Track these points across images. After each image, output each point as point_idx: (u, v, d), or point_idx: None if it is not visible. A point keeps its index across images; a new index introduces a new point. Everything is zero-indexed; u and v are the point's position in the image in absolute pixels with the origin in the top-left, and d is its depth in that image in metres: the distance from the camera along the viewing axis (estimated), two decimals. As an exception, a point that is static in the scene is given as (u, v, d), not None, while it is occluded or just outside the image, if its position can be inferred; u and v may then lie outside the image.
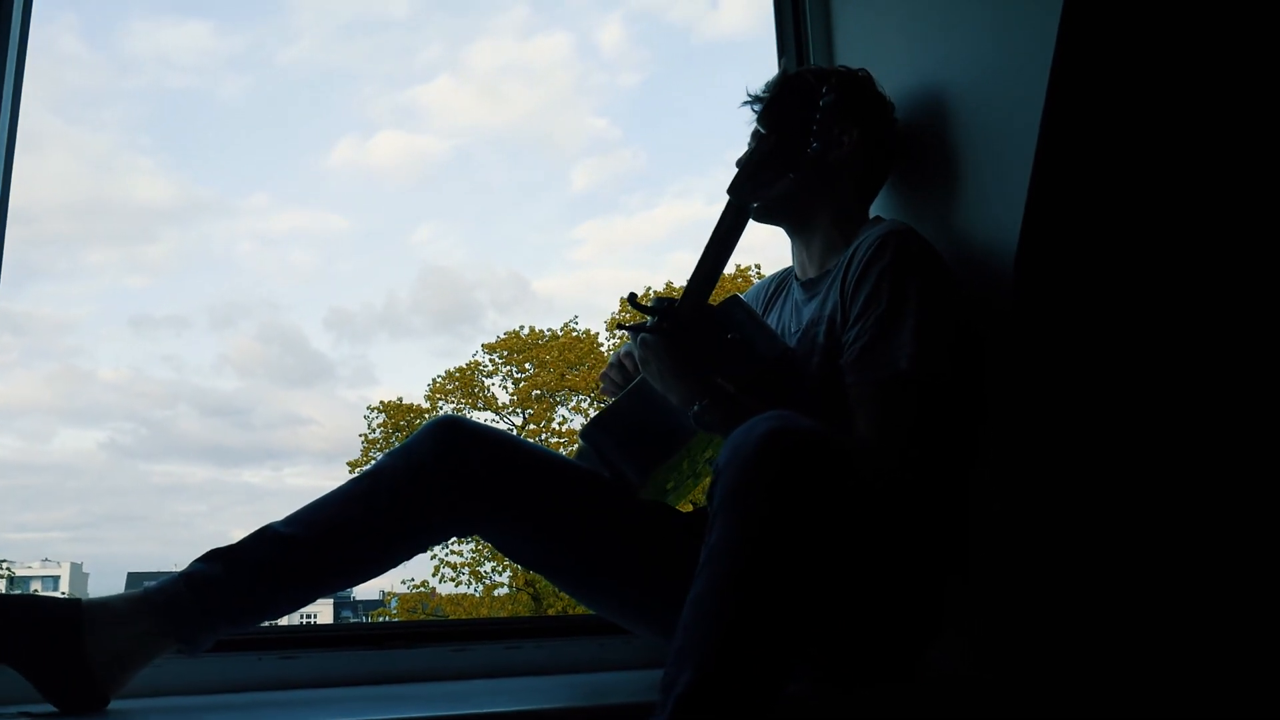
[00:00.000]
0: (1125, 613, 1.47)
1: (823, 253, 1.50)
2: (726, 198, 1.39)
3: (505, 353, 11.88)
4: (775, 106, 1.41)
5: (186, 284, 19.03)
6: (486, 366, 11.91)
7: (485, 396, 11.78)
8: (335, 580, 1.35)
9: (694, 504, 1.54)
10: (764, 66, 1.58)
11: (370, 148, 20.43)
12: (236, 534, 1.31)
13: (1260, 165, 1.40)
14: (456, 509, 1.36)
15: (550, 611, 9.94)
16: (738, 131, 1.59)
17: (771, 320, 1.56)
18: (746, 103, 1.56)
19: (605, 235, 19.80)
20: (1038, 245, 1.33)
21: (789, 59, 1.92)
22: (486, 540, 1.45)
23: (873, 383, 1.29)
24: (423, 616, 10.76)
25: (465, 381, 11.75)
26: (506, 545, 1.44)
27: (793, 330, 1.47)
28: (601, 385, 1.59)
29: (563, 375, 11.46)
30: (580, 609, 1.56)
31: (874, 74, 1.54)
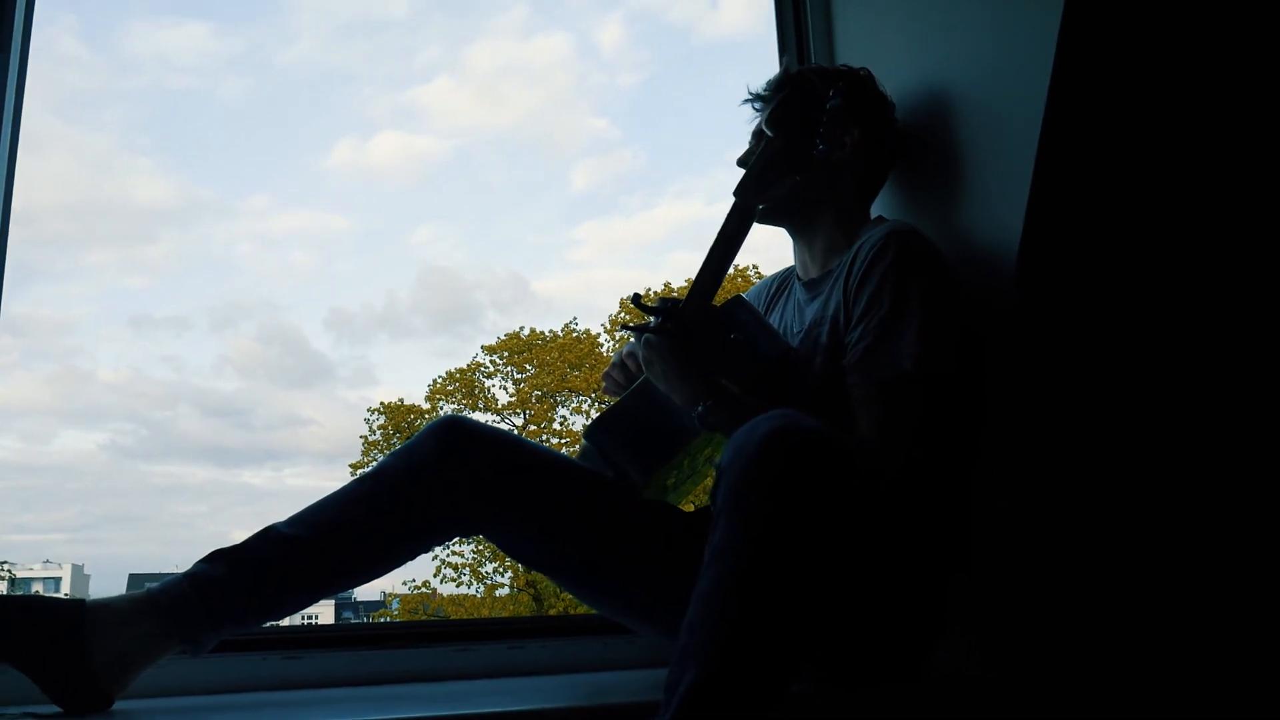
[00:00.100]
0: (1129, 612, 1.47)
1: (825, 253, 1.50)
2: (727, 198, 1.39)
3: (505, 354, 11.88)
4: (782, 109, 1.40)
5: (186, 284, 19.06)
6: (487, 368, 11.92)
7: (485, 397, 11.78)
8: (339, 581, 1.35)
9: (695, 504, 1.55)
10: (764, 66, 1.57)
11: (370, 148, 20.45)
12: (237, 535, 1.32)
13: (1262, 164, 1.40)
14: (459, 509, 1.37)
15: (551, 612, 9.94)
16: (738, 131, 1.59)
17: (774, 320, 1.56)
18: (748, 100, 1.56)
19: (605, 235, 19.82)
20: (1040, 244, 1.33)
21: (790, 58, 1.92)
22: (490, 540, 1.46)
23: (876, 383, 1.29)
24: (424, 617, 10.76)
25: (466, 382, 11.76)
26: (509, 545, 1.45)
27: (795, 330, 1.47)
28: (603, 385, 1.59)
29: (563, 376, 11.46)
30: (583, 608, 1.56)
31: (875, 72, 1.54)
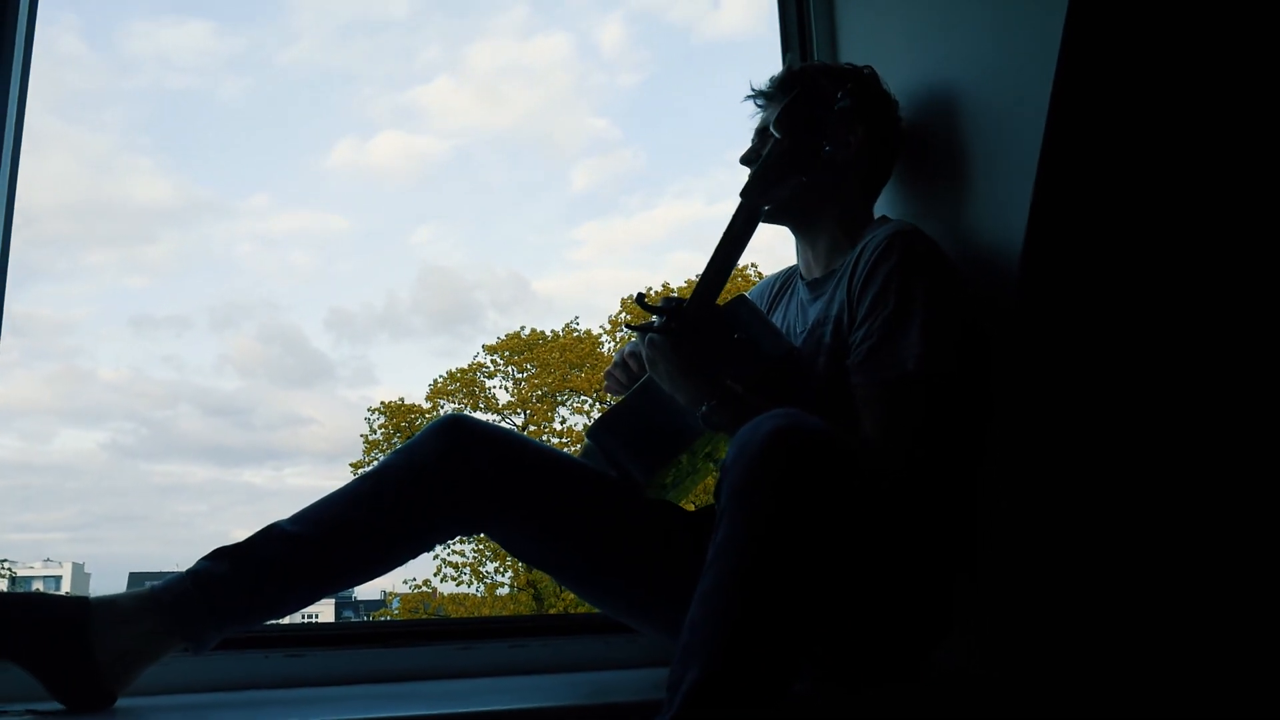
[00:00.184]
0: (1133, 612, 1.47)
1: (828, 252, 1.50)
2: (727, 198, 1.39)
3: (506, 354, 11.88)
4: (790, 111, 1.40)
5: (187, 284, 19.03)
6: (487, 367, 11.92)
7: (486, 397, 11.78)
8: (341, 579, 1.36)
9: (695, 503, 1.55)
10: (765, 67, 1.57)
11: (370, 148, 20.42)
12: (237, 534, 1.32)
13: (1267, 163, 1.40)
14: (460, 508, 1.37)
15: (552, 611, 9.93)
16: (738, 131, 1.59)
17: (776, 319, 1.56)
18: (750, 97, 1.55)
19: (605, 236, 19.80)
20: (1044, 243, 1.33)
21: (793, 56, 1.92)
22: (492, 539, 1.46)
23: (880, 383, 1.29)
24: (424, 616, 10.76)
25: (466, 382, 11.76)
26: (512, 544, 1.45)
27: (798, 330, 1.47)
28: (606, 384, 1.59)
29: (564, 376, 11.46)
30: (584, 607, 1.56)
31: (878, 70, 1.54)
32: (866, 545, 1.19)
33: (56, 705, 1.25)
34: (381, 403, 11.66)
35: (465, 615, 10.43)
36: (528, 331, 11.95)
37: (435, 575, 10.87)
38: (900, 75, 1.57)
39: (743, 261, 1.42)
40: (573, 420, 11.59)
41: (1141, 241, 1.38)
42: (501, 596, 10.81)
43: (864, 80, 1.50)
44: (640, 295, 1.38)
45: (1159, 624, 1.47)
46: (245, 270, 18.82)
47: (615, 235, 19.48)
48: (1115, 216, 1.36)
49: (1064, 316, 1.41)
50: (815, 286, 1.49)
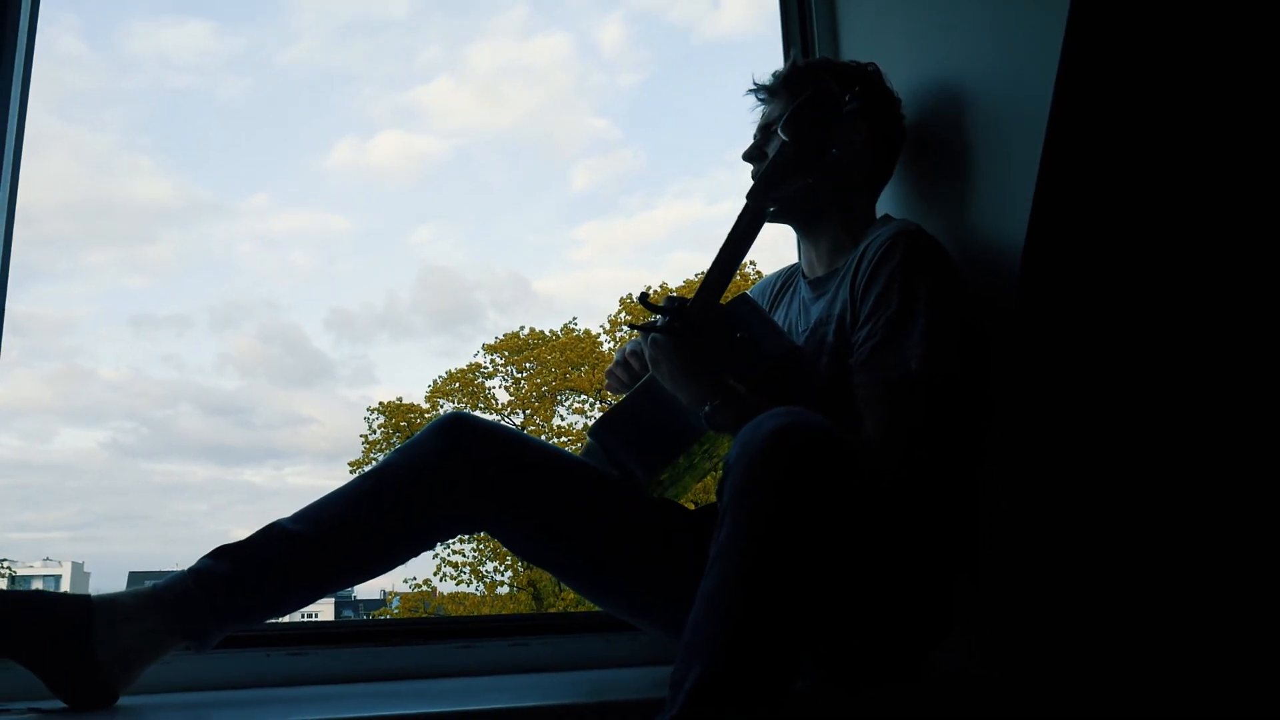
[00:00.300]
0: (1133, 612, 1.47)
1: (831, 251, 1.50)
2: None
3: (506, 353, 11.88)
4: (798, 114, 1.39)
5: (187, 284, 19.00)
6: (487, 368, 11.92)
7: (485, 397, 11.78)
8: (342, 578, 1.36)
9: (695, 502, 1.55)
10: (765, 66, 1.58)
11: (370, 148, 20.39)
12: (238, 533, 1.32)
13: (1269, 162, 1.40)
14: (461, 507, 1.37)
15: (552, 610, 9.93)
16: (738, 132, 1.59)
17: (778, 317, 1.56)
18: (752, 91, 1.55)
19: (605, 236, 19.78)
20: (1045, 242, 1.33)
21: (796, 54, 1.93)
22: (493, 537, 1.46)
23: (882, 383, 1.28)
24: (424, 615, 10.76)
25: (466, 383, 11.76)
26: (513, 543, 1.45)
27: (800, 329, 1.47)
28: (607, 383, 1.59)
29: (564, 375, 11.46)
30: (585, 606, 1.56)
31: (880, 68, 1.54)
32: (868, 544, 1.19)
33: (59, 703, 1.26)
34: (381, 402, 11.66)
35: (465, 615, 10.43)
36: (527, 331, 11.96)
37: (435, 574, 10.88)
38: (902, 73, 1.57)
39: (744, 260, 1.42)
40: (571, 419, 11.60)
41: (1143, 241, 1.38)
42: (501, 596, 10.80)
43: (869, 79, 1.50)
44: (643, 294, 1.38)
45: (1159, 624, 1.47)
46: (245, 270, 18.81)
47: (615, 235, 19.48)
48: (1116, 215, 1.36)
49: (1065, 316, 1.41)
50: (818, 285, 1.49)
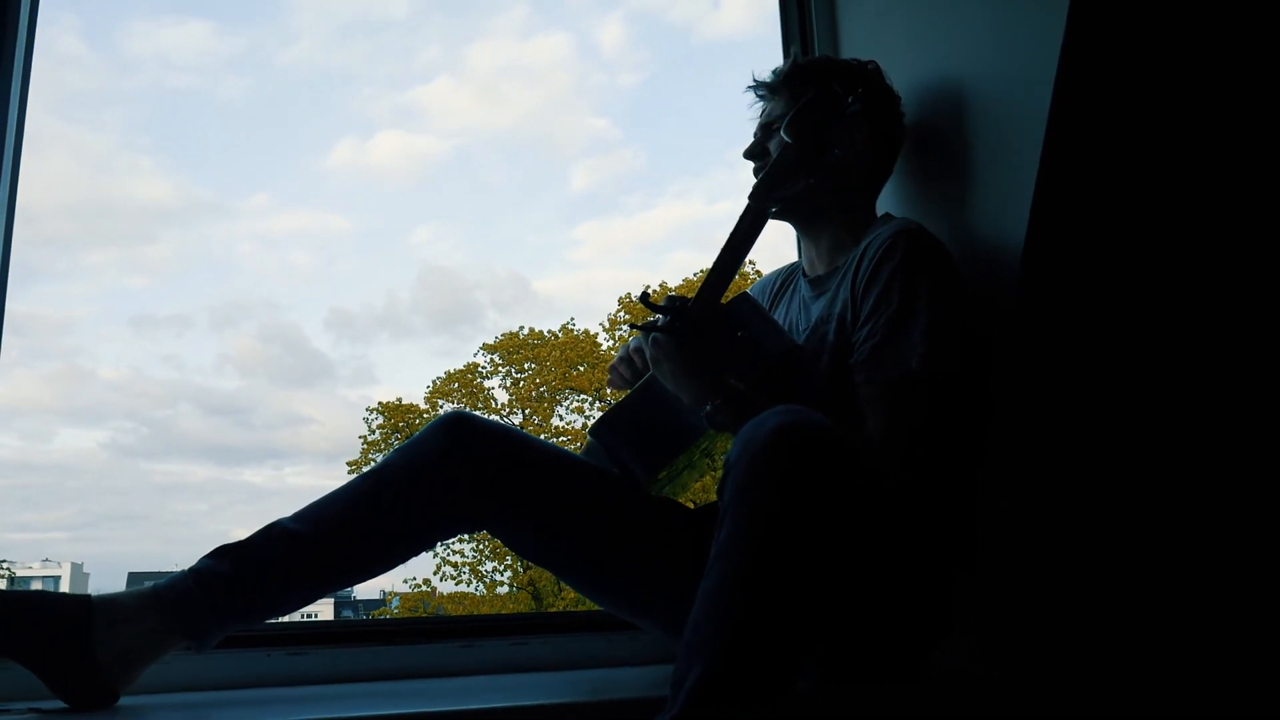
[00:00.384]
0: (1133, 612, 1.47)
1: (831, 249, 1.50)
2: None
3: (505, 353, 11.88)
4: (801, 116, 1.39)
5: (187, 284, 19.00)
6: (486, 368, 11.92)
7: (485, 397, 11.78)
8: (342, 578, 1.36)
9: (694, 501, 1.55)
10: (764, 66, 1.59)
11: (370, 148, 20.39)
12: (237, 533, 1.32)
13: (1267, 162, 1.40)
14: (461, 506, 1.37)
15: (551, 610, 9.93)
16: (738, 132, 1.59)
17: (778, 316, 1.56)
18: (752, 88, 1.55)
19: (605, 236, 19.78)
20: (1045, 241, 1.33)
21: (796, 51, 1.93)
22: (494, 536, 1.46)
23: (883, 382, 1.28)
24: (423, 615, 10.75)
25: (465, 383, 11.76)
26: (513, 541, 1.45)
27: (801, 328, 1.47)
28: (609, 380, 1.59)
29: (564, 375, 11.46)
30: (585, 605, 1.56)
31: (880, 66, 1.54)
32: (868, 543, 1.19)
33: (59, 704, 1.25)
34: (380, 403, 11.67)
35: (465, 614, 10.42)
36: (526, 331, 11.96)
37: (435, 574, 10.88)
38: (902, 71, 1.57)
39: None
40: (571, 419, 11.60)
41: (1143, 240, 1.38)
42: (501, 595, 10.80)
43: (870, 79, 1.50)
44: (644, 294, 1.38)
45: (1159, 624, 1.47)
46: (245, 270, 18.81)
47: (615, 235, 19.48)
48: (1116, 214, 1.36)
49: (1065, 316, 1.41)
50: (818, 284, 1.49)
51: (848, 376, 1.33)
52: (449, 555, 10.80)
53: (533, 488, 1.39)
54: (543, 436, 11.14)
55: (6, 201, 1.63)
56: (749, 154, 1.52)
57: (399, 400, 11.61)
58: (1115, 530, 1.47)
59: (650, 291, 1.39)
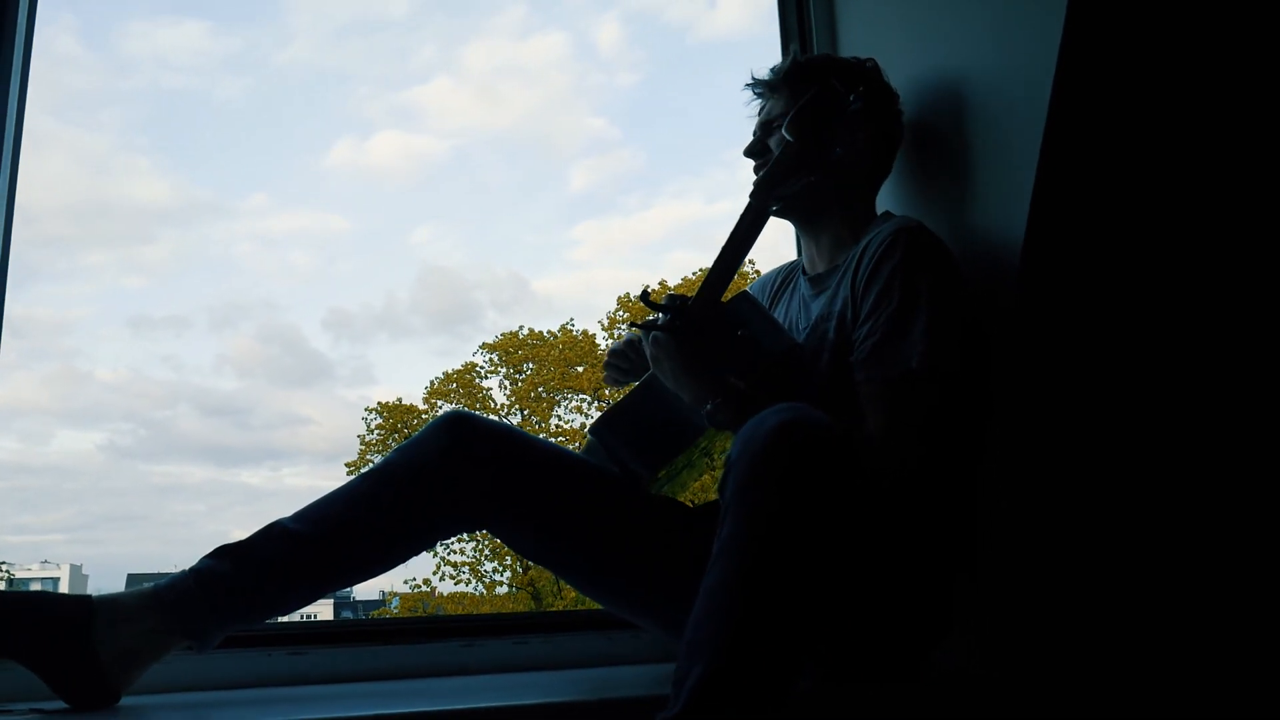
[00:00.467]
0: (1133, 611, 1.47)
1: (832, 248, 1.50)
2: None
3: (504, 353, 11.88)
4: (802, 114, 1.39)
5: (185, 285, 18.94)
6: (484, 367, 11.92)
7: (483, 398, 11.78)
8: (342, 578, 1.36)
9: (693, 501, 1.55)
10: (762, 66, 1.58)
11: (368, 148, 20.35)
12: (236, 534, 1.32)
13: (1266, 159, 1.40)
14: (461, 506, 1.37)
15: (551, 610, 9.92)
16: (736, 131, 1.59)
17: (778, 314, 1.55)
18: (750, 85, 1.55)
19: (603, 236, 19.77)
20: (1044, 239, 1.33)
21: (796, 49, 1.93)
22: (494, 535, 1.46)
23: (883, 380, 1.28)
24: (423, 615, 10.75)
25: (464, 383, 11.75)
26: (513, 541, 1.45)
27: (801, 326, 1.47)
28: (605, 374, 1.59)
29: (563, 374, 11.46)
30: (585, 605, 1.56)
31: (879, 63, 1.54)
32: (869, 542, 1.19)
33: (60, 704, 1.25)
34: (379, 403, 11.66)
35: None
36: (526, 331, 11.96)
37: (434, 574, 10.88)
38: (901, 69, 1.57)
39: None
40: (570, 419, 11.60)
41: (1142, 238, 1.38)
42: (500, 596, 10.80)
43: (870, 76, 1.50)
44: (644, 293, 1.38)
45: (1159, 623, 1.47)
46: (244, 270, 18.77)
47: (613, 235, 19.45)
48: (1116, 211, 1.36)
49: (1065, 314, 1.41)
50: (818, 282, 1.49)
51: (848, 375, 1.33)
52: (448, 555, 10.80)
53: (533, 487, 1.39)
54: (542, 436, 11.15)
55: (6, 203, 1.63)
56: (749, 152, 1.52)
57: (398, 400, 11.61)
58: (1115, 529, 1.47)
59: (650, 290, 1.39)
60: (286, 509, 1.35)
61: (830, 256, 1.50)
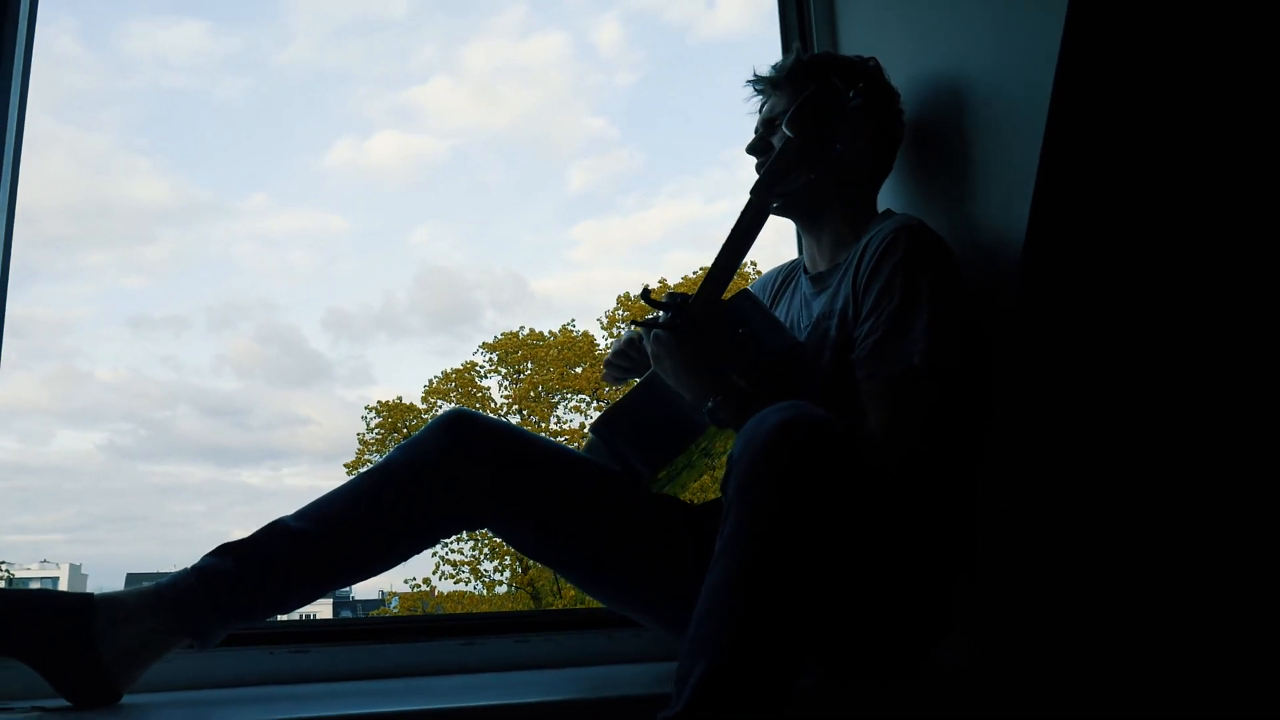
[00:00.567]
0: (1133, 611, 1.47)
1: (833, 246, 1.50)
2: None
3: (503, 352, 11.88)
4: (802, 110, 1.39)
5: (185, 285, 18.94)
6: (484, 367, 11.92)
7: (483, 397, 11.77)
8: (343, 576, 1.36)
9: (693, 499, 1.55)
10: (761, 65, 1.58)
11: (368, 148, 20.35)
12: (235, 534, 1.32)
13: (1267, 157, 1.40)
14: (461, 505, 1.37)
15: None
16: (734, 131, 1.59)
17: (779, 313, 1.55)
18: (751, 82, 1.55)
19: (602, 236, 19.76)
20: (1045, 237, 1.33)
21: (798, 47, 1.93)
22: (495, 534, 1.46)
23: (884, 378, 1.28)
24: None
25: (464, 382, 11.75)
26: (514, 539, 1.45)
27: (803, 324, 1.47)
28: (605, 374, 1.59)
29: (562, 374, 11.46)
30: (585, 603, 1.56)
31: (880, 63, 1.54)
32: (870, 540, 1.19)
33: (63, 702, 1.26)
34: (378, 401, 11.65)
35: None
36: (526, 331, 11.96)
37: (434, 573, 10.88)
38: (902, 68, 1.57)
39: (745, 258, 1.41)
40: (570, 419, 11.60)
41: (1143, 236, 1.38)
42: (500, 595, 10.80)
43: (871, 74, 1.50)
44: (645, 291, 1.38)
45: (1159, 623, 1.47)
46: (243, 270, 18.77)
47: (612, 235, 19.45)
48: (1117, 211, 1.36)
49: (1065, 312, 1.41)
50: (819, 280, 1.49)
51: (849, 373, 1.33)
52: (447, 554, 10.79)
53: (534, 486, 1.39)
54: (542, 435, 11.13)
55: (6, 204, 1.63)
56: (752, 149, 1.52)
57: (398, 399, 11.61)
58: (1116, 528, 1.47)
59: (651, 288, 1.39)
60: (286, 509, 1.36)
61: (831, 255, 1.50)
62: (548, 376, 11.53)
